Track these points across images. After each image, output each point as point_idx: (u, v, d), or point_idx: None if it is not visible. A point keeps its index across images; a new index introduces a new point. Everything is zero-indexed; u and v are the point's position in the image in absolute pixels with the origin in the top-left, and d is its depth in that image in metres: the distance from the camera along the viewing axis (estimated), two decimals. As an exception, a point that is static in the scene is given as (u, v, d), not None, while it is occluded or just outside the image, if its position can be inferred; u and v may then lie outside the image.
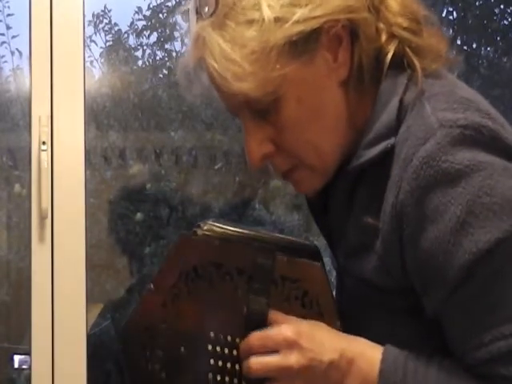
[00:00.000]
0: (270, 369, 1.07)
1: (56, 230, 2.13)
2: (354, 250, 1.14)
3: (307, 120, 1.10)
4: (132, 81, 3.20)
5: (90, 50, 3.04)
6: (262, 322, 1.08)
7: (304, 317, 1.10)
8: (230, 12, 1.08)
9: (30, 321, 2.12)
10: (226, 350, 1.10)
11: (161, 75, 3.37)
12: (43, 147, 2.11)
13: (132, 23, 3.22)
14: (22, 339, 2.80)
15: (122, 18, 3.22)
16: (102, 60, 3.16)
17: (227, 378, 1.11)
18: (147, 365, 1.11)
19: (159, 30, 3.24)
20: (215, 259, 1.10)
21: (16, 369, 2.79)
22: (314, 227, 3.28)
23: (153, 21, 3.22)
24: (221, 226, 1.12)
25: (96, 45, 3.12)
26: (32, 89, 2.15)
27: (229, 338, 1.10)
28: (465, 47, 3.40)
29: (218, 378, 1.11)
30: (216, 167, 3.17)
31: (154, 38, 3.22)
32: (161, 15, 3.23)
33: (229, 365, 1.10)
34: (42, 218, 2.11)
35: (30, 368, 2.13)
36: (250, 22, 1.06)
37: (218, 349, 1.10)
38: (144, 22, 3.21)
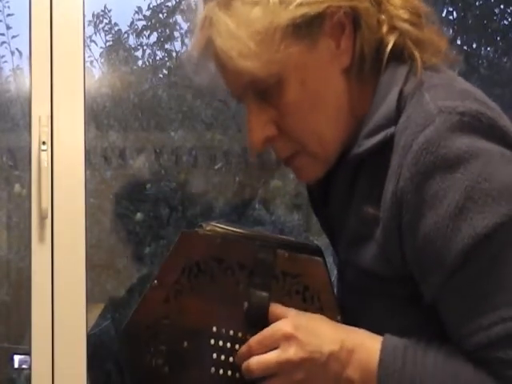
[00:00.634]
0: (269, 366, 1.08)
1: (56, 230, 2.13)
2: (354, 240, 1.15)
3: (309, 104, 1.12)
4: (132, 81, 3.20)
5: (90, 49, 3.05)
6: (263, 316, 1.10)
7: (305, 311, 1.12)
8: None
9: (30, 321, 2.12)
10: (229, 344, 1.12)
11: (161, 75, 3.37)
12: (43, 147, 2.11)
13: (132, 23, 3.22)
14: (22, 339, 2.80)
15: (122, 18, 3.22)
16: (102, 60, 3.16)
17: (230, 372, 1.12)
18: (151, 360, 1.12)
19: (159, 30, 3.24)
20: (217, 255, 1.12)
21: (16, 369, 2.79)
22: (314, 227, 3.29)
23: (153, 21, 3.22)
24: (222, 226, 1.14)
25: (96, 45, 3.12)
26: (32, 89, 2.15)
27: (231, 332, 1.12)
28: (465, 47, 3.40)
29: (221, 371, 1.12)
30: (216, 167, 3.17)
31: (154, 37, 3.22)
32: (161, 15, 3.23)
33: (231, 359, 1.12)
34: (42, 218, 2.11)
35: (30, 368, 2.13)
36: (256, 3, 1.10)
37: (221, 343, 1.12)
38: (144, 22, 3.21)
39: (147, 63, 3.26)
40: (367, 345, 1.08)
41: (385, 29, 1.13)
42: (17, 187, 2.89)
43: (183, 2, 3.24)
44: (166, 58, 3.29)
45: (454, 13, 3.41)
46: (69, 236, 2.13)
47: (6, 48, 2.98)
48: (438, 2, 3.26)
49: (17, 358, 2.73)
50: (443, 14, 3.27)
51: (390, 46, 1.13)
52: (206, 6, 1.14)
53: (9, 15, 2.96)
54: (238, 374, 1.11)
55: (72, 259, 2.13)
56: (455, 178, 1.02)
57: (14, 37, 2.97)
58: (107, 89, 3.12)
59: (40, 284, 2.11)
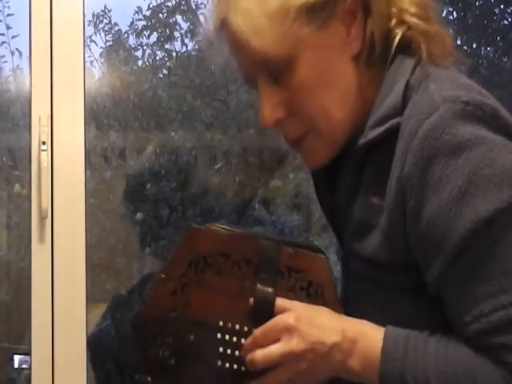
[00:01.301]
0: (272, 357, 1.10)
1: (56, 230, 2.13)
2: (359, 229, 1.16)
3: (319, 84, 1.15)
4: (132, 81, 3.21)
5: (90, 50, 3.05)
6: (269, 311, 1.12)
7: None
8: None
9: (30, 321, 2.12)
10: (235, 338, 1.13)
11: (161, 75, 3.37)
12: (43, 147, 2.11)
13: (132, 23, 3.22)
14: (22, 339, 2.80)
15: (122, 18, 3.22)
16: (102, 60, 3.16)
17: (235, 366, 1.14)
18: (158, 351, 1.14)
19: (159, 30, 3.24)
20: (224, 250, 1.14)
21: (16, 369, 2.79)
22: (314, 227, 3.29)
23: (153, 21, 3.22)
24: (226, 227, 1.16)
25: (96, 45, 3.13)
26: (32, 89, 2.15)
27: (237, 326, 1.13)
28: (465, 47, 3.40)
29: (227, 365, 1.14)
30: (216, 167, 3.17)
31: (154, 37, 3.22)
32: (161, 15, 3.24)
33: (237, 353, 1.13)
34: (42, 218, 2.11)
35: (30, 368, 2.14)
36: None
37: (227, 337, 1.13)
38: (144, 22, 3.21)
39: (147, 63, 3.27)
40: (369, 335, 1.10)
41: (394, 22, 1.16)
42: (17, 187, 2.89)
43: (183, 2, 3.24)
44: (166, 58, 3.29)
45: (454, 13, 3.42)
46: (69, 236, 2.13)
47: (6, 48, 2.98)
48: (438, 2, 3.26)
49: (17, 357, 2.73)
50: (443, 14, 3.27)
51: (397, 38, 1.16)
52: None
53: (9, 15, 2.96)
54: (243, 368, 1.13)
55: (72, 259, 2.13)
56: (458, 164, 1.04)
57: (14, 37, 2.98)
58: (107, 89, 3.12)
59: (40, 284, 2.11)
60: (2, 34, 2.97)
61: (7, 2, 2.93)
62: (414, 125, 1.07)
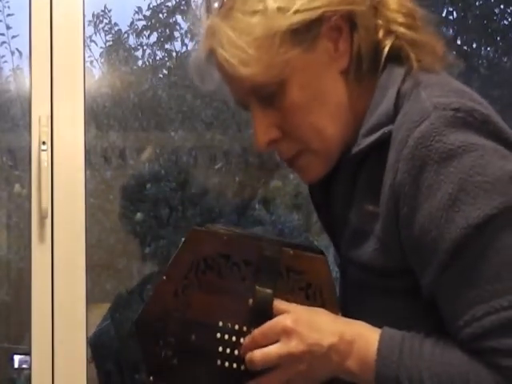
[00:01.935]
0: (271, 358, 1.12)
1: (56, 230, 2.13)
2: (355, 237, 1.18)
3: (310, 104, 1.16)
4: (132, 81, 3.21)
5: (90, 50, 3.05)
6: (267, 312, 1.14)
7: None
8: (236, 4, 1.16)
9: (30, 321, 2.12)
10: (234, 338, 1.15)
11: (161, 75, 3.37)
12: (43, 147, 2.11)
13: (132, 23, 3.23)
14: (22, 339, 2.80)
15: (122, 18, 3.23)
16: (102, 60, 3.16)
17: (235, 365, 1.15)
18: (160, 351, 1.16)
19: (159, 30, 3.24)
20: (224, 251, 1.16)
21: (16, 369, 2.79)
22: (314, 227, 3.29)
23: (153, 21, 3.22)
24: (226, 228, 1.18)
25: (96, 45, 3.13)
26: (32, 89, 2.15)
27: (236, 326, 1.15)
28: (465, 47, 3.40)
29: (227, 364, 1.16)
30: (216, 167, 3.17)
31: (154, 37, 3.22)
32: (161, 15, 3.24)
33: (236, 352, 1.15)
34: (42, 218, 2.11)
35: (30, 368, 2.14)
36: (255, 12, 1.14)
37: (226, 337, 1.15)
38: (144, 22, 3.22)
39: (147, 63, 3.27)
40: (366, 336, 1.11)
41: (381, 33, 1.17)
42: (17, 187, 2.89)
43: (183, 2, 3.24)
44: (166, 58, 3.29)
45: (454, 13, 3.42)
46: (69, 236, 2.13)
47: (6, 48, 2.99)
48: (438, 2, 3.26)
49: (17, 357, 2.74)
50: (443, 14, 3.27)
51: (386, 50, 1.16)
52: (210, 17, 1.19)
53: (9, 15, 2.97)
54: (242, 367, 1.15)
55: (72, 259, 2.13)
56: (449, 171, 1.05)
57: (14, 37, 2.98)
58: (107, 89, 3.12)
59: (40, 284, 2.11)
60: (2, 34, 2.98)
61: (7, 1, 2.93)
62: (405, 133, 1.08)
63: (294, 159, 1.21)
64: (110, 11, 3.19)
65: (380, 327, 1.12)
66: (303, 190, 3.13)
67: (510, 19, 3.55)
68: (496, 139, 1.08)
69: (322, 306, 1.15)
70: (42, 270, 2.11)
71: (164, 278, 1.17)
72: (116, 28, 3.20)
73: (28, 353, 2.17)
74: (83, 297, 2.14)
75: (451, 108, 1.07)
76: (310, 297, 1.16)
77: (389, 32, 1.17)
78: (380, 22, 1.17)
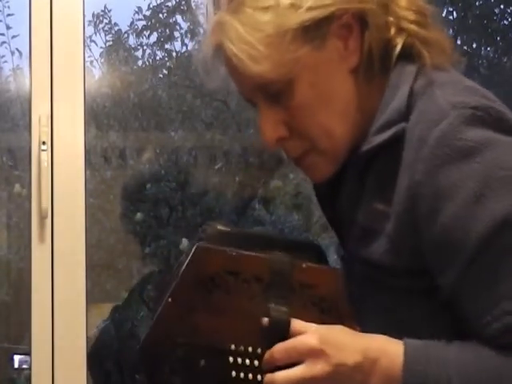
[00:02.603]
0: (295, 382, 1.07)
1: (56, 230, 2.13)
2: (363, 235, 1.16)
3: (319, 103, 1.15)
4: (132, 81, 3.21)
5: (90, 50, 3.05)
6: (284, 332, 1.07)
7: (323, 322, 1.10)
8: None
9: (30, 321, 2.12)
10: (248, 361, 1.09)
11: (161, 75, 3.37)
12: (43, 147, 2.11)
13: (132, 23, 3.23)
14: (22, 339, 2.80)
15: (122, 18, 3.23)
16: (102, 60, 3.16)
17: None
18: (167, 378, 1.09)
19: (159, 30, 3.24)
20: (232, 268, 1.09)
21: (16, 369, 2.79)
22: (314, 227, 3.28)
23: (153, 21, 3.22)
24: (224, 228, 1.13)
25: (96, 45, 3.13)
26: (32, 89, 2.15)
27: (250, 348, 1.09)
28: (465, 47, 3.41)
29: None
30: (216, 167, 3.17)
31: (154, 37, 3.22)
32: (161, 15, 3.24)
33: (251, 376, 1.09)
34: (42, 218, 2.11)
35: (30, 368, 2.14)
36: (266, 8, 1.12)
37: (240, 360, 1.09)
38: (144, 22, 3.22)
39: (147, 63, 3.27)
40: (389, 351, 1.08)
41: (393, 31, 1.16)
42: (17, 187, 2.89)
43: (183, 2, 3.24)
44: (166, 58, 3.29)
45: (454, 13, 3.42)
46: (69, 236, 2.13)
47: (6, 48, 2.99)
48: (438, 2, 3.26)
49: (17, 357, 2.74)
50: (443, 14, 3.27)
51: (398, 48, 1.15)
52: (217, 12, 1.17)
53: (9, 15, 2.97)
54: None
55: (72, 259, 2.13)
56: (471, 168, 1.05)
57: (14, 37, 2.98)
58: (107, 89, 3.13)
59: (40, 284, 2.11)
60: (2, 34, 2.98)
61: (7, 1, 2.93)
62: (423, 133, 1.07)
63: (301, 158, 1.19)
64: (109, 11, 3.19)
65: (387, 324, 1.11)
66: (303, 190, 3.13)
67: (510, 19, 3.55)
68: (511, 135, 1.08)
69: (339, 320, 1.10)
70: (41, 270, 2.11)
71: (169, 300, 1.08)
72: (116, 28, 3.20)
73: (28, 353, 2.17)
74: (83, 297, 2.14)
75: (470, 106, 1.07)
76: (325, 311, 1.11)
77: (400, 30, 1.16)
78: (391, 18, 1.16)
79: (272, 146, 1.18)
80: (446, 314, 1.10)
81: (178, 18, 3.24)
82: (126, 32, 3.22)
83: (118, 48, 3.22)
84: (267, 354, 1.08)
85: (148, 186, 3.04)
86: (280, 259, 1.11)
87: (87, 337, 2.20)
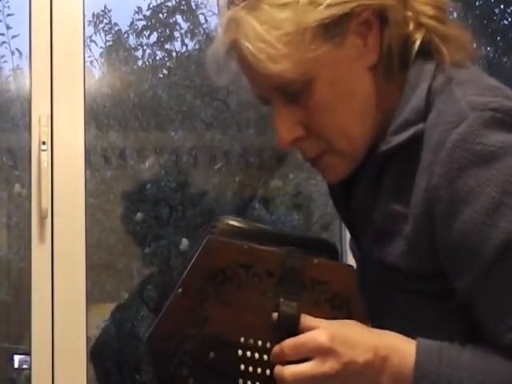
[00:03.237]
0: (304, 378, 1.06)
1: (56, 230, 2.13)
2: (380, 236, 1.14)
3: (338, 103, 1.12)
4: (132, 81, 3.21)
5: (90, 50, 3.05)
6: (294, 327, 1.06)
7: (334, 318, 1.09)
8: None
9: (30, 321, 2.12)
10: (257, 355, 1.08)
11: (161, 75, 3.37)
12: (43, 147, 2.11)
13: (132, 23, 3.23)
14: (22, 339, 2.80)
15: (122, 18, 3.23)
16: (102, 60, 3.17)
17: None
18: (175, 371, 1.07)
19: (159, 30, 3.24)
20: (244, 261, 1.08)
21: (16, 369, 2.80)
22: (313, 227, 3.28)
23: (153, 21, 3.23)
24: (237, 223, 1.11)
25: (96, 45, 3.13)
26: (32, 89, 2.15)
27: (259, 342, 1.08)
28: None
29: (249, 383, 1.08)
30: (216, 167, 3.17)
31: (154, 37, 3.23)
32: (161, 15, 3.24)
33: (259, 370, 1.08)
34: (42, 218, 2.11)
35: (30, 368, 2.14)
36: (285, 5, 1.09)
37: (249, 354, 1.08)
38: (144, 22, 3.22)
39: (147, 63, 3.27)
40: (401, 349, 1.07)
41: (411, 26, 1.14)
42: (17, 187, 2.89)
43: (183, 2, 3.24)
44: (166, 58, 3.29)
45: (454, 13, 3.41)
46: (69, 236, 2.13)
47: (6, 48, 2.99)
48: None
49: (17, 357, 2.74)
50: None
51: (417, 44, 1.13)
52: (232, 8, 1.13)
53: (9, 15, 2.97)
54: None
55: (72, 259, 2.13)
56: (491, 174, 1.02)
57: (14, 37, 2.98)
58: (107, 89, 3.13)
59: (40, 284, 2.11)
60: (2, 34, 2.98)
61: (7, 1, 2.93)
62: (442, 135, 1.05)
63: (317, 159, 1.16)
64: (109, 11, 3.19)
65: (402, 326, 1.09)
66: (303, 190, 3.13)
67: (510, 19, 3.55)
68: None
69: (350, 316, 1.09)
70: (41, 270, 2.11)
71: (179, 291, 1.07)
72: (116, 28, 3.20)
73: (28, 353, 2.17)
74: (83, 297, 2.14)
75: (489, 108, 1.04)
76: (336, 307, 1.09)
77: (419, 25, 1.13)
78: (410, 13, 1.13)
79: (287, 146, 1.14)
80: (460, 316, 1.09)
81: (178, 17, 3.24)
82: (125, 32, 3.22)
83: (118, 48, 3.22)
84: (276, 349, 1.07)
85: (148, 186, 3.05)
86: (292, 254, 1.09)
87: (87, 337, 2.20)
